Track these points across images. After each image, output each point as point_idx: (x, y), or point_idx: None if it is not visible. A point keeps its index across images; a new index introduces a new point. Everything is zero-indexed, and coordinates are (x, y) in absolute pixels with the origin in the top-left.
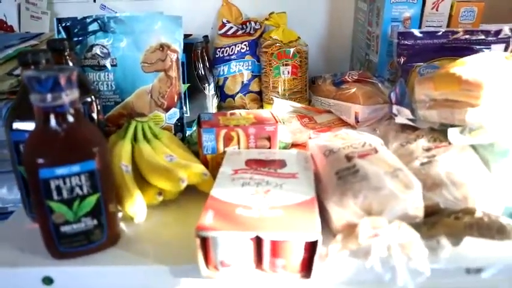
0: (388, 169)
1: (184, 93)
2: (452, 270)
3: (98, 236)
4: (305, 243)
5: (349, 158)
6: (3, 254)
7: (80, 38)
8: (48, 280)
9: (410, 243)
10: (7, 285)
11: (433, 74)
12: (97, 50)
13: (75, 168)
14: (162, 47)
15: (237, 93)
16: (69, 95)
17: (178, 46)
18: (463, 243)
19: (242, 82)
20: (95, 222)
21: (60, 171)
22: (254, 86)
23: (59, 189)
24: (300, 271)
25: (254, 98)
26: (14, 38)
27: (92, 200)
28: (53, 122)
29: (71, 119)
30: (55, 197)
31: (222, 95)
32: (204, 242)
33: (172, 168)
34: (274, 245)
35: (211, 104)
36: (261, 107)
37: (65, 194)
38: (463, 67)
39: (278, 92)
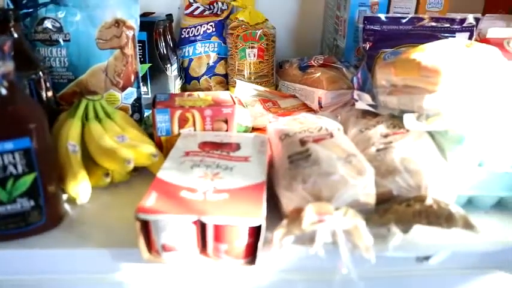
0: (342, 154)
1: (146, 74)
2: (401, 258)
3: (36, 218)
4: (249, 228)
5: (303, 142)
6: None
7: (30, 10)
8: None
9: (356, 230)
10: None
11: (394, 59)
12: (48, 24)
13: (8, 145)
14: (118, 23)
15: (202, 75)
16: (1, 67)
17: (134, 22)
18: (413, 231)
19: (207, 64)
20: (32, 203)
21: None
22: (220, 69)
23: None
24: (244, 257)
25: (220, 81)
26: None
27: (28, 179)
28: None
29: (4, 92)
30: None
31: (187, 77)
32: (147, 225)
33: (118, 148)
34: (217, 230)
35: (174, 85)
36: (227, 90)
37: None
38: (423, 53)
39: (244, 75)
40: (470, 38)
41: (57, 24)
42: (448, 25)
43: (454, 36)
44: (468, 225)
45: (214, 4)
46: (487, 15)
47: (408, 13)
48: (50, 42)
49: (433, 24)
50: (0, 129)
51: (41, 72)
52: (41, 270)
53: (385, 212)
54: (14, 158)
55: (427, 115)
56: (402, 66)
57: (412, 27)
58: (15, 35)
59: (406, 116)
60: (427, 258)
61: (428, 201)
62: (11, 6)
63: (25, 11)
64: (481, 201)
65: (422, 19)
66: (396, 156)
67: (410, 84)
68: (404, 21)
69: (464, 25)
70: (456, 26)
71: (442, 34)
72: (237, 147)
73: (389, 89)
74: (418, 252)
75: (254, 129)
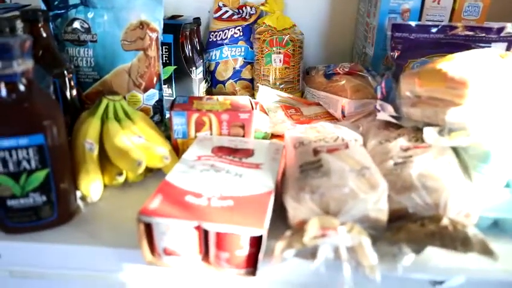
0: (355, 166)
1: (171, 76)
2: (414, 280)
3: (48, 213)
4: (251, 238)
5: (316, 151)
6: None
7: (61, 11)
8: None
9: (360, 247)
10: None
11: (419, 69)
12: (77, 25)
13: (23, 141)
14: (142, 24)
15: (228, 79)
16: (21, 65)
17: (157, 25)
18: (428, 252)
19: (234, 68)
20: (44, 198)
21: (6, 142)
22: (246, 73)
23: (4, 162)
24: (245, 267)
25: (246, 86)
26: None
27: (41, 175)
28: (3, 91)
29: (22, 89)
30: (0, 169)
31: (213, 80)
32: (151, 227)
33: (131, 149)
34: (219, 237)
35: (198, 88)
36: (253, 95)
37: (11, 167)
38: (451, 63)
39: (269, 81)
40: (508, 48)
41: (86, 25)
42: (483, 34)
43: (490, 47)
44: (486, 251)
45: (243, 8)
46: None
47: (442, 21)
48: (78, 43)
49: (468, 33)
50: (15, 125)
51: (65, 71)
52: (49, 263)
53: (398, 230)
54: (28, 153)
55: (450, 129)
56: (427, 77)
57: (444, 36)
58: (44, 35)
59: (426, 130)
60: (440, 282)
61: (444, 222)
62: (44, 8)
63: (56, 12)
64: (507, 224)
65: (455, 27)
66: (414, 171)
67: (435, 95)
68: (435, 29)
69: (501, 35)
70: (493, 36)
71: (477, 44)
72: (251, 153)
73: (413, 100)
74: (432, 276)
75: (274, 135)
